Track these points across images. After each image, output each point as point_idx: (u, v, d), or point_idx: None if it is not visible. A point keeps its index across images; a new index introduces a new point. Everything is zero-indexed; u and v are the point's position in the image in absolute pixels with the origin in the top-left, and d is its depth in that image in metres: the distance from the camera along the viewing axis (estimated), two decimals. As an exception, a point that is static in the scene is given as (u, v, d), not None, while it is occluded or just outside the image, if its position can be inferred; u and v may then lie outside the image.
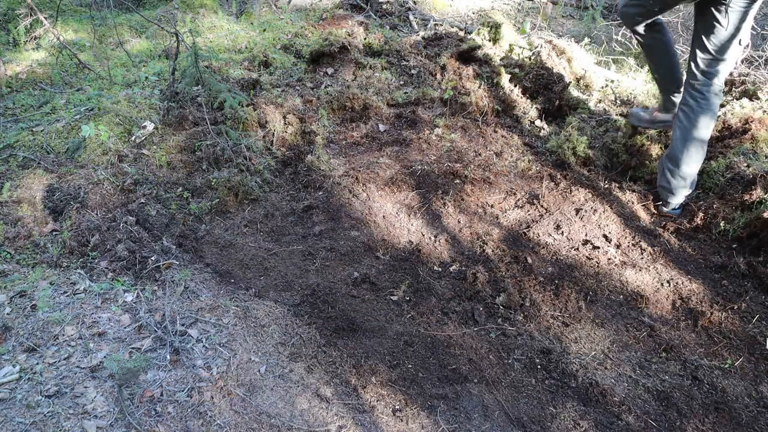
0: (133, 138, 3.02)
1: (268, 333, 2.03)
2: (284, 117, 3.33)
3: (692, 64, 2.53)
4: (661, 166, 2.72)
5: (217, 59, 3.79)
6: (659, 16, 2.63)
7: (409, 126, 3.52)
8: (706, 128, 2.56)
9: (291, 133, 3.31)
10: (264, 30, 4.63)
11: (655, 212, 2.75)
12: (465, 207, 2.81)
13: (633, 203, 2.79)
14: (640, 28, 2.68)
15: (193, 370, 1.80)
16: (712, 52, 2.44)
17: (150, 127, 3.08)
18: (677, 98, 2.82)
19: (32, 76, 3.77)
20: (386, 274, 2.43)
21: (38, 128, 3.08)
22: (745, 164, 2.69)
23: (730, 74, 3.51)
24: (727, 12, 2.33)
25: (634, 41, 2.99)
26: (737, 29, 2.36)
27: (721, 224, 2.53)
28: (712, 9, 2.37)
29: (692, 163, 2.60)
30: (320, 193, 2.89)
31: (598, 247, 2.55)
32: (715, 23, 2.38)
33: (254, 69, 3.92)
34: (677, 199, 2.69)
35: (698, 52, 2.49)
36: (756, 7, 2.31)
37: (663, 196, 2.72)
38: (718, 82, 2.50)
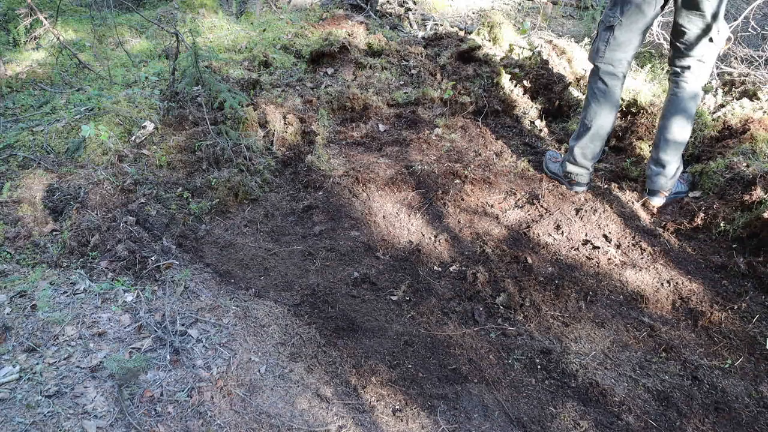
0: (133, 138, 3.02)
1: (268, 333, 2.03)
2: (284, 117, 3.34)
3: (671, 64, 2.63)
4: (650, 154, 2.83)
5: (217, 59, 3.79)
6: (629, 52, 2.57)
7: (409, 126, 3.52)
8: (683, 124, 2.62)
9: (291, 133, 3.31)
10: (264, 30, 4.63)
11: (646, 206, 2.78)
12: (465, 207, 2.81)
13: (633, 203, 2.79)
14: (608, 67, 2.58)
15: (193, 370, 1.80)
16: (684, 51, 2.52)
17: (150, 127, 3.08)
18: (579, 169, 2.78)
19: (32, 76, 3.77)
20: (386, 274, 2.43)
21: (38, 128, 3.08)
22: (745, 164, 2.69)
23: (730, 74, 3.51)
24: (689, 16, 2.41)
25: (586, 87, 2.84)
26: (703, 30, 2.43)
27: (721, 224, 2.53)
28: (678, 14, 2.46)
29: (669, 152, 2.66)
30: (320, 193, 2.89)
31: (598, 247, 2.55)
32: (682, 26, 2.47)
33: (254, 69, 3.92)
34: (654, 186, 2.75)
35: (674, 52, 2.59)
36: (721, 8, 2.35)
37: (647, 184, 2.80)
38: (695, 79, 2.56)
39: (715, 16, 2.38)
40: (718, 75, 3.54)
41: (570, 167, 2.83)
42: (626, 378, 1.99)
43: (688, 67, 2.54)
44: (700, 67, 2.53)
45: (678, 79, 2.59)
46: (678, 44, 2.53)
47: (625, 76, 2.65)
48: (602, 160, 3.17)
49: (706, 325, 2.19)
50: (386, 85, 3.84)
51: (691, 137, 3.03)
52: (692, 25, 2.43)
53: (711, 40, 2.45)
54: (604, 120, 2.68)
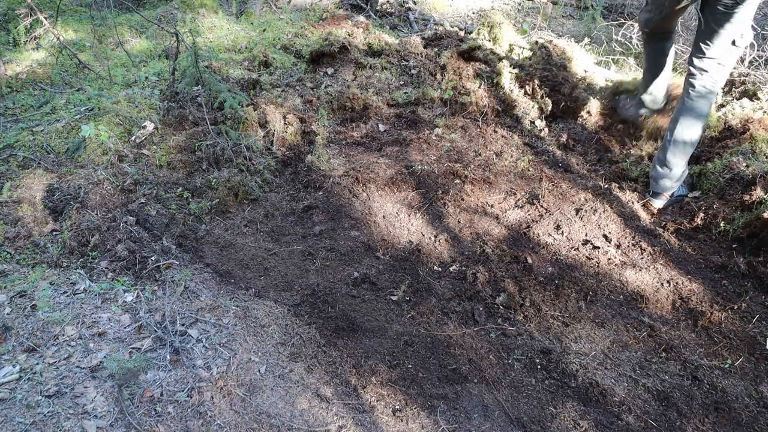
0: (133, 138, 3.02)
1: (268, 333, 2.03)
2: (284, 117, 3.33)
3: (690, 64, 2.60)
4: (656, 155, 2.82)
5: (217, 59, 3.79)
6: (671, 24, 2.75)
7: (409, 126, 3.52)
8: (693, 126, 2.62)
9: (291, 133, 3.31)
10: (264, 30, 4.63)
11: (646, 207, 2.78)
12: (465, 207, 2.81)
13: (633, 203, 2.79)
14: (650, 31, 2.80)
15: (193, 370, 1.80)
16: (705, 51, 2.50)
17: (150, 127, 3.08)
18: (648, 97, 3.08)
19: (32, 76, 3.77)
20: (386, 274, 2.43)
21: (38, 128, 3.08)
22: (745, 164, 2.69)
23: (730, 74, 3.50)
24: (715, 14, 2.40)
25: (641, 43, 3.13)
26: (727, 31, 2.41)
27: (721, 224, 2.53)
28: (705, 11, 2.44)
29: (677, 154, 2.66)
30: (320, 193, 2.89)
31: (598, 247, 2.55)
32: (707, 24, 2.45)
33: (254, 69, 3.92)
34: (658, 188, 2.76)
35: (694, 51, 2.56)
36: (746, 8, 2.34)
37: (651, 185, 2.81)
38: (712, 83, 2.54)
39: (741, 21, 2.36)
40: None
41: (645, 98, 3.13)
42: (626, 378, 1.99)
43: (707, 70, 2.51)
44: (719, 70, 2.51)
45: (695, 80, 2.56)
46: (701, 44, 2.50)
47: (668, 38, 2.84)
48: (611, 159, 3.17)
49: (706, 325, 2.19)
50: (386, 85, 3.84)
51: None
52: (718, 26, 2.41)
53: (734, 43, 2.43)
54: (655, 68, 2.97)
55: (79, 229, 2.38)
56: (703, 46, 2.49)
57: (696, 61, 2.54)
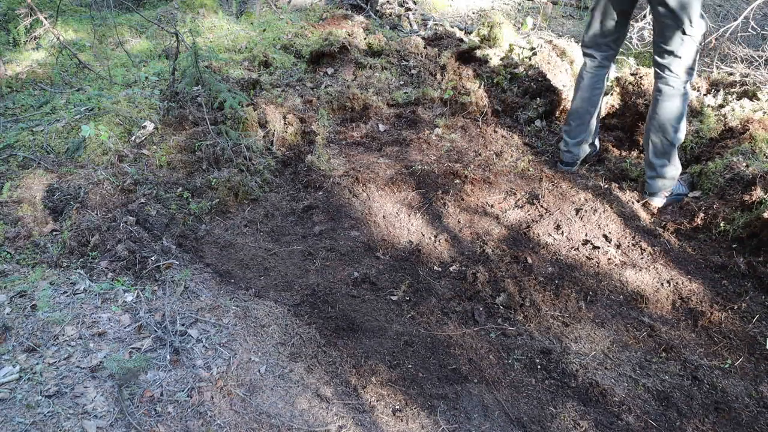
0: (133, 138, 3.02)
1: (268, 333, 2.03)
2: (284, 117, 3.34)
3: (653, 64, 2.63)
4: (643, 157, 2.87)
5: (217, 59, 3.79)
6: (612, 33, 2.75)
7: (409, 126, 3.52)
8: (670, 127, 2.61)
9: (291, 133, 3.31)
10: (264, 30, 4.63)
11: (646, 206, 2.78)
12: (465, 207, 2.81)
13: (633, 203, 2.79)
14: (591, 51, 2.82)
15: (193, 370, 1.80)
16: (660, 45, 2.53)
17: (150, 127, 3.08)
18: (563, 146, 3.03)
19: (32, 76, 3.77)
20: (386, 274, 2.43)
21: (38, 128, 3.08)
22: (745, 164, 2.69)
23: (731, 74, 3.50)
24: (655, 7, 2.45)
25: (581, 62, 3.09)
26: (673, 21, 2.43)
27: (721, 224, 2.53)
28: (651, 6, 2.51)
29: (659, 156, 2.68)
30: (320, 193, 2.89)
31: (598, 247, 2.55)
32: (655, 19, 2.51)
33: (254, 69, 3.92)
34: (652, 188, 2.77)
35: (653, 49, 2.61)
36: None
37: (645, 187, 2.82)
38: (674, 78, 2.55)
39: (683, 8, 2.37)
40: (717, 74, 3.53)
41: (560, 144, 3.10)
42: (626, 378, 1.99)
43: (668, 64, 2.53)
44: (678, 63, 2.51)
45: (659, 80, 2.58)
46: (656, 39, 2.54)
47: (600, 63, 2.81)
48: (597, 160, 3.17)
49: (706, 325, 2.19)
50: (386, 85, 3.84)
51: (692, 137, 3.03)
52: (664, 19, 2.43)
53: (684, 32, 2.43)
54: (578, 102, 2.92)
55: (79, 229, 2.38)
56: (658, 40, 2.53)
57: (657, 58, 2.57)
